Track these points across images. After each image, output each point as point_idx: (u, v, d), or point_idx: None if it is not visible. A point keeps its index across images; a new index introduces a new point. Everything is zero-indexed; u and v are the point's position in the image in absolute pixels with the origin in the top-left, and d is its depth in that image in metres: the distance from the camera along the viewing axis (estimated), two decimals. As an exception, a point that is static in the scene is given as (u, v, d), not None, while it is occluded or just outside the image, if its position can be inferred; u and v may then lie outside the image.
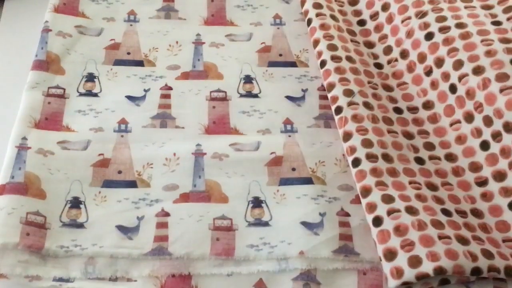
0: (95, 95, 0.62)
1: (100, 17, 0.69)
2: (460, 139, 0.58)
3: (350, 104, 0.58)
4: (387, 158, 0.55)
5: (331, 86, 0.60)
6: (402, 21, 0.64)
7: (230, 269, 0.52)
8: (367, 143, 0.56)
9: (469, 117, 0.57)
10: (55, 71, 0.63)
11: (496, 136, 0.55)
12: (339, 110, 0.58)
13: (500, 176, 0.54)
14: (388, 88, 0.62)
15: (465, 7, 0.63)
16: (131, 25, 0.68)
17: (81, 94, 0.62)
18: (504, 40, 0.58)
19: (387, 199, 0.53)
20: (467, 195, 0.55)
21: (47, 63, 0.63)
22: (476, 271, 0.49)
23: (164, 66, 0.65)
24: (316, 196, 0.56)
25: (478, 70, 0.57)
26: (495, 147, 0.55)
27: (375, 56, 0.65)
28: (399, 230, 0.51)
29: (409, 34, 0.63)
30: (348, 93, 0.59)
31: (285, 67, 0.66)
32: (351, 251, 0.53)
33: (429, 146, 0.58)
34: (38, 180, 0.55)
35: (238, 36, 0.68)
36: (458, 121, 0.58)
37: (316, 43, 0.64)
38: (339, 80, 0.60)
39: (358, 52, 0.64)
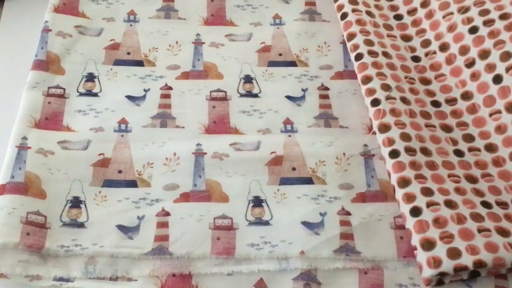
0: (95, 95, 0.62)
1: (100, 17, 0.69)
2: (500, 129, 0.58)
3: (387, 98, 0.58)
4: (425, 151, 0.56)
5: (368, 79, 0.60)
6: (443, 17, 0.65)
7: (231, 268, 0.52)
8: (405, 137, 0.56)
9: (511, 107, 0.57)
10: (55, 71, 0.63)
11: None
12: (376, 102, 0.59)
13: None
14: (425, 81, 0.63)
15: None
16: (131, 25, 0.68)
17: (81, 94, 0.62)
18: None
19: (426, 192, 0.53)
20: (509, 185, 0.55)
21: (47, 63, 0.63)
22: None
23: (164, 66, 0.65)
24: (317, 196, 0.56)
25: None
26: None
27: (413, 50, 0.65)
28: (439, 222, 0.51)
29: (451, 28, 0.63)
30: (385, 87, 0.59)
31: (285, 67, 0.66)
32: (352, 250, 0.53)
33: (468, 138, 0.58)
34: (38, 180, 0.55)
35: (238, 36, 0.68)
36: (499, 111, 0.58)
37: (351, 36, 0.64)
38: (376, 74, 0.60)
39: (395, 47, 0.64)
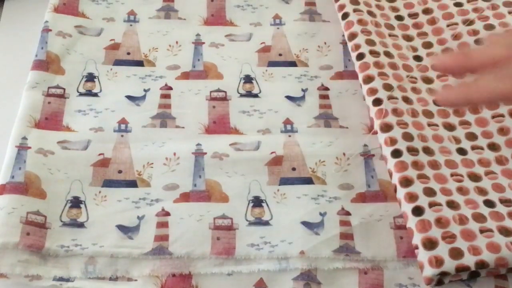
0: (95, 95, 0.62)
1: (100, 17, 0.69)
2: (503, 131, 0.58)
3: (389, 98, 0.58)
4: (428, 151, 0.56)
5: (370, 79, 0.60)
6: (448, 25, 0.65)
7: (231, 269, 0.52)
8: (407, 137, 0.56)
9: None
10: (55, 71, 0.63)
11: None
12: (378, 102, 0.59)
13: None
14: (428, 80, 0.62)
15: (509, 13, 0.64)
16: (131, 25, 0.68)
17: (81, 94, 0.62)
18: None
19: (429, 192, 0.53)
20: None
21: (47, 63, 0.63)
22: None
23: (164, 66, 0.65)
24: (316, 196, 0.56)
25: None
26: None
27: (414, 49, 0.65)
28: (441, 222, 0.51)
29: (456, 37, 0.64)
30: (387, 87, 0.59)
31: (285, 67, 0.66)
32: (352, 250, 0.53)
33: (471, 136, 0.58)
34: (38, 180, 0.55)
35: (238, 36, 0.68)
36: (502, 115, 0.59)
37: (353, 36, 0.64)
38: (378, 74, 0.60)
39: (396, 47, 0.64)
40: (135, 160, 0.58)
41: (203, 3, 0.71)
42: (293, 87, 0.64)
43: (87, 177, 0.57)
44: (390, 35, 0.65)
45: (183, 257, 0.52)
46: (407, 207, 0.53)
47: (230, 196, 0.56)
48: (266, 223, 0.55)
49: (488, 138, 0.58)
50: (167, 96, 0.63)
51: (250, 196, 0.56)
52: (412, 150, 0.55)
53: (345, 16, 0.66)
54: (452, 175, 0.55)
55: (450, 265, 0.49)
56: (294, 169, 0.58)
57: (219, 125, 0.61)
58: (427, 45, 0.65)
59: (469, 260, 0.49)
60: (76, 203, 0.55)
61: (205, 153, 0.59)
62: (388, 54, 0.63)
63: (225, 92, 0.63)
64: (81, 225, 0.54)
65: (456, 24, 0.65)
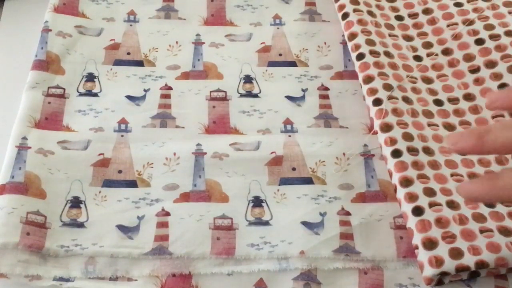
0: (95, 95, 0.62)
1: (100, 17, 0.68)
2: None
3: (389, 98, 0.58)
4: (428, 151, 0.56)
5: (370, 79, 0.60)
6: (448, 25, 0.65)
7: (231, 269, 0.52)
8: (407, 137, 0.56)
9: None
10: (55, 71, 0.63)
11: None
12: (378, 102, 0.59)
13: None
14: (428, 80, 0.62)
15: (509, 13, 0.64)
16: (131, 25, 0.68)
17: (81, 94, 0.62)
18: None
19: (429, 192, 0.53)
20: None
21: (47, 63, 0.63)
22: None
23: (164, 66, 0.65)
24: (317, 196, 0.56)
25: None
26: None
27: (414, 49, 0.65)
28: (441, 222, 0.51)
29: (456, 37, 0.64)
30: (387, 87, 0.59)
31: (285, 67, 0.66)
32: (352, 250, 0.53)
33: None
34: (38, 180, 0.55)
35: (238, 36, 0.68)
36: (502, 115, 0.59)
37: (353, 36, 0.64)
38: (378, 74, 0.60)
39: (396, 46, 0.64)
40: (135, 160, 0.58)
41: (203, 3, 0.71)
42: (293, 87, 0.64)
43: (87, 177, 0.57)
44: (390, 35, 0.65)
45: (183, 257, 0.52)
46: (407, 207, 0.53)
47: (230, 196, 0.56)
48: (266, 223, 0.55)
49: None
50: (167, 96, 0.63)
51: (250, 196, 0.56)
52: (412, 150, 0.55)
53: (345, 16, 0.66)
54: (452, 175, 0.55)
55: (450, 265, 0.49)
56: (294, 169, 0.58)
57: (219, 125, 0.61)
58: (427, 45, 0.65)
59: (469, 260, 0.49)
60: (76, 203, 0.55)
61: (205, 153, 0.58)
62: (388, 54, 0.63)
63: (225, 92, 0.63)
64: (81, 225, 0.54)
65: (456, 24, 0.65)
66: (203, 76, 0.65)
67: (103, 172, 0.57)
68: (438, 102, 0.61)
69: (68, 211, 0.54)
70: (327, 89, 0.64)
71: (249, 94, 0.63)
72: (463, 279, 0.51)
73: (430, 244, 0.50)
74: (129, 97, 0.62)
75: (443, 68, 0.63)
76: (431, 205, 0.52)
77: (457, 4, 0.67)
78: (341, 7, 0.67)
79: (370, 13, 0.66)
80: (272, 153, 0.59)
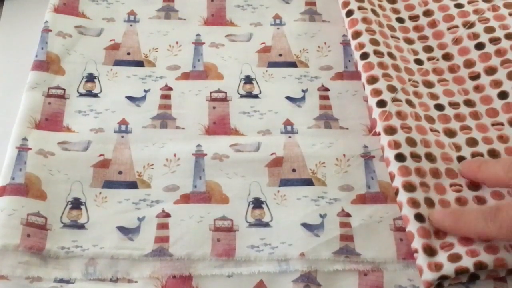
0: (95, 95, 0.62)
1: (100, 17, 0.68)
2: (502, 138, 0.58)
3: (393, 100, 0.58)
4: (430, 157, 0.56)
5: (374, 79, 0.60)
6: (448, 29, 0.65)
7: (231, 270, 0.52)
8: (411, 142, 0.56)
9: None
10: (55, 72, 0.63)
11: None
12: (382, 103, 0.58)
13: None
14: (429, 84, 0.62)
15: (510, 14, 0.64)
16: (131, 25, 0.68)
17: (81, 95, 0.62)
18: None
19: (429, 202, 0.53)
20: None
21: (47, 63, 0.63)
22: None
23: (164, 67, 0.65)
24: (317, 198, 0.56)
25: None
26: None
27: (415, 52, 0.65)
28: (439, 234, 0.52)
29: (457, 41, 0.63)
30: (391, 89, 0.59)
31: (285, 68, 0.66)
32: (352, 251, 0.53)
33: (472, 142, 0.58)
34: (38, 181, 0.55)
35: (238, 36, 0.68)
36: (501, 123, 0.59)
37: (357, 35, 0.63)
38: (382, 75, 0.60)
39: (398, 49, 0.64)
40: (136, 161, 0.58)
41: (203, 3, 0.71)
42: (293, 87, 0.64)
43: (88, 178, 0.57)
44: (392, 37, 0.65)
45: (184, 258, 0.52)
46: (409, 212, 0.53)
47: (230, 197, 0.56)
48: (266, 225, 0.55)
49: (489, 144, 0.58)
50: (167, 97, 0.63)
51: (250, 197, 0.56)
52: (415, 156, 0.55)
53: (349, 13, 0.65)
54: (451, 185, 0.55)
55: (449, 268, 0.49)
56: (294, 170, 0.58)
57: (219, 126, 0.61)
58: (428, 49, 0.65)
59: (467, 262, 0.49)
60: (76, 204, 0.55)
61: (205, 154, 0.59)
62: (391, 56, 0.62)
63: (225, 92, 0.63)
64: (81, 227, 0.54)
65: (457, 27, 0.65)
66: (203, 76, 0.65)
67: (103, 173, 0.57)
68: (439, 107, 0.61)
69: (69, 212, 0.54)
70: (327, 89, 0.64)
71: (249, 95, 0.63)
72: (462, 282, 0.51)
73: (430, 250, 0.51)
74: (129, 98, 0.62)
75: (443, 72, 0.63)
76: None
77: (458, 6, 0.66)
78: (345, 4, 0.67)
79: (374, 11, 0.66)
80: (272, 154, 0.59)
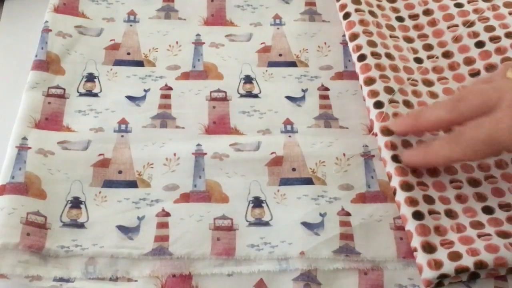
0: (95, 95, 0.62)
1: (100, 17, 0.68)
2: None
3: (390, 102, 0.58)
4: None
5: (371, 81, 0.60)
6: (448, 27, 0.65)
7: (231, 269, 0.52)
8: (407, 145, 0.56)
9: None
10: (55, 71, 0.63)
11: None
12: (379, 104, 0.58)
13: None
14: (428, 83, 0.62)
15: (510, 13, 0.64)
16: (131, 25, 0.68)
17: (81, 94, 0.62)
18: None
19: (428, 200, 0.53)
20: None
21: (47, 63, 0.63)
22: None
23: (164, 66, 0.65)
24: (317, 197, 0.56)
25: None
26: None
27: (415, 51, 0.65)
28: (439, 230, 0.52)
29: (457, 39, 0.64)
30: (388, 90, 0.59)
31: (285, 67, 0.66)
32: (352, 250, 0.53)
33: None
34: (38, 180, 0.55)
35: (238, 36, 0.68)
36: None
37: (354, 37, 0.64)
38: (379, 76, 0.60)
39: (397, 48, 0.64)
40: (135, 160, 0.58)
41: (203, 3, 0.71)
42: (293, 87, 0.64)
43: (87, 177, 0.57)
44: (391, 36, 0.65)
45: (183, 257, 0.52)
46: (407, 210, 0.53)
47: (230, 196, 0.56)
48: (266, 224, 0.55)
49: None
50: (167, 97, 0.63)
51: (250, 196, 0.56)
52: None
53: (346, 16, 0.66)
54: (451, 181, 0.55)
55: (449, 266, 0.49)
56: (294, 169, 0.58)
57: (219, 125, 0.61)
58: (428, 47, 0.65)
59: (467, 261, 0.49)
60: (76, 203, 0.55)
61: (205, 154, 0.59)
62: (389, 56, 0.62)
63: (225, 92, 0.63)
64: (81, 226, 0.54)
65: (457, 26, 0.65)
66: (203, 76, 0.65)
67: (103, 172, 0.57)
68: None
69: (68, 211, 0.54)
70: (327, 89, 0.64)
71: (249, 95, 0.63)
72: (463, 281, 0.51)
73: (429, 248, 0.51)
74: (129, 97, 0.62)
75: (443, 71, 0.63)
76: (430, 212, 0.53)
77: (458, 5, 0.66)
78: (343, 6, 0.67)
79: (372, 13, 0.66)
80: (272, 153, 0.59)
